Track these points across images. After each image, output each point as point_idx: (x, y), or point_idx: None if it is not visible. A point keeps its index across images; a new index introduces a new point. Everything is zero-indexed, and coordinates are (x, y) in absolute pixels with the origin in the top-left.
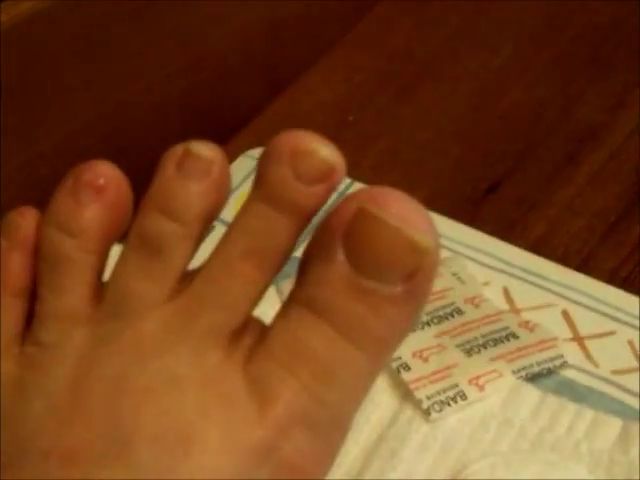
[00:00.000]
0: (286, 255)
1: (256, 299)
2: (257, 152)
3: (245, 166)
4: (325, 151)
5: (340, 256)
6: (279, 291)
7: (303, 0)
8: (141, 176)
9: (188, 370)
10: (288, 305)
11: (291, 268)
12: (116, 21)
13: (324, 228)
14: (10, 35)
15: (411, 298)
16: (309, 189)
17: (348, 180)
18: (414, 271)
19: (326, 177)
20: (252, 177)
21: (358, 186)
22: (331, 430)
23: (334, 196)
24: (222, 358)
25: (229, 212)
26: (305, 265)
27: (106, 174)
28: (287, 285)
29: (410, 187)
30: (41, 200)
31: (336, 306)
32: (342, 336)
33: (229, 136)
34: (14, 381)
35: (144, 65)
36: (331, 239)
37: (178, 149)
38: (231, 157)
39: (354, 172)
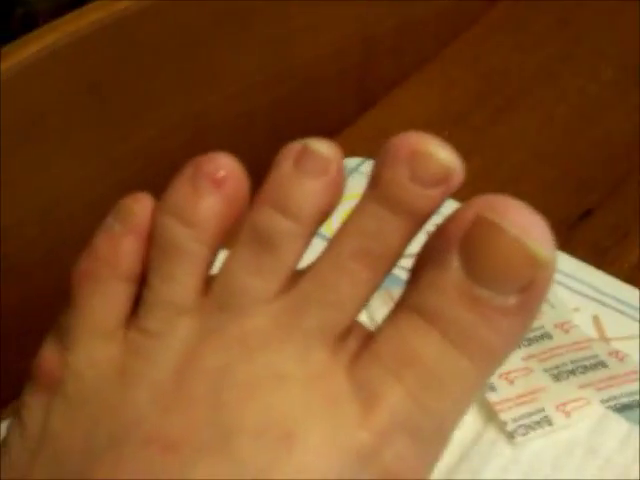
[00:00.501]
0: (397, 257)
1: (365, 300)
2: (349, 161)
3: None
4: (444, 154)
5: (455, 263)
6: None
7: (398, 16)
8: None
9: (294, 367)
10: (398, 309)
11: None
12: (208, 25)
13: (440, 233)
14: (104, 35)
15: (524, 311)
16: (425, 192)
17: None
18: (529, 283)
19: (443, 181)
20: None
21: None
22: (433, 440)
23: None
24: (328, 358)
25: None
26: (418, 270)
27: (227, 167)
28: (375, 298)
29: None
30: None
31: (447, 313)
32: (451, 344)
33: None
34: (117, 366)
35: (233, 72)
36: (447, 245)
37: (296, 146)
38: None
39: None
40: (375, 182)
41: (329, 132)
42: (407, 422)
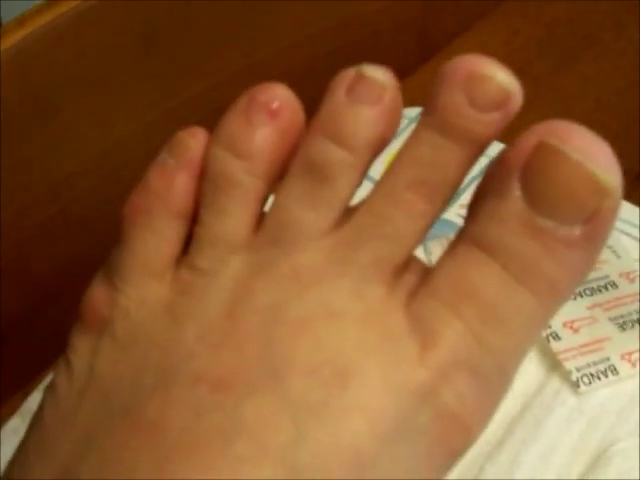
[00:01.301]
0: (455, 187)
1: (422, 233)
2: (409, 111)
3: None
4: (502, 76)
5: (516, 192)
6: (427, 251)
7: None
8: None
9: (348, 303)
10: (456, 243)
11: (439, 229)
12: None
13: (500, 162)
14: None
15: (589, 242)
16: (484, 117)
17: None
18: (595, 212)
19: (502, 104)
20: (402, 136)
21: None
22: (494, 379)
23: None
24: (384, 293)
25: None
26: (477, 201)
27: (282, 97)
28: (436, 245)
29: None
30: None
31: (509, 245)
32: (513, 277)
33: None
34: (167, 305)
35: (293, 22)
36: (507, 173)
37: (350, 72)
38: None
39: (509, 138)
40: (430, 108)
41: None
42: (467, 360)
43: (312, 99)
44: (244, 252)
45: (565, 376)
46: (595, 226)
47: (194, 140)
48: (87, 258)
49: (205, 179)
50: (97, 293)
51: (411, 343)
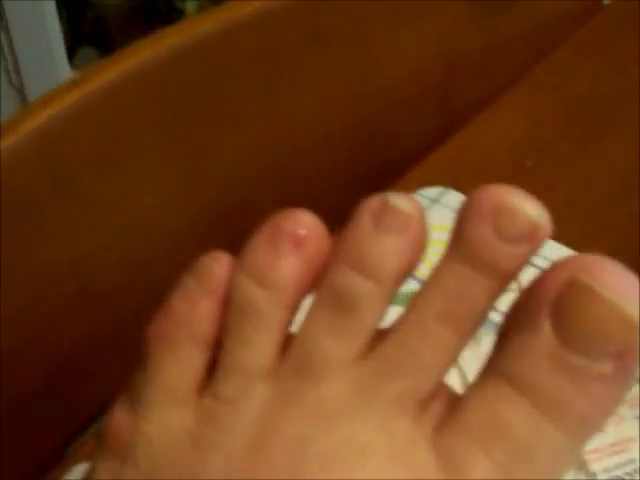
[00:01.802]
0: (483, 318)
1: (449, 364)
2: (430, 191)
3: None
4: (530, 209)
5: (547, 328)
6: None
7: (482, 36)
8: (303, 202)
9: (375, 437)
10: (485, 375)
11: None
12: (291, 48)
13: (530, 296)
14: (184, 59)
15: (620, 377)
16: (512, 249)
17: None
18: (626, 349)
19: (531, 237)
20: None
21: None
22: None
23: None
24: (411, 426)
25: None
26: (506, 334)
27: (308, 225)
28: None
29: (588, 241)
30: (207, 225)
31: (539, 382)
32: (543, 414)
33: (395, 170)
34: (190, 433)
35: (316, 93)
36: (537, 309)
37: (375, 201)
38: None
39: None
40: (458, 240)
41: (410, 155)
42: None
43: (333, 167)
44: (269, 381)
45: (591, 478)
46: (627, 361)
47: (218, 266)
48: (105, 335)
49: (230, 306)
50: (119, 418)
51: (439, 479)
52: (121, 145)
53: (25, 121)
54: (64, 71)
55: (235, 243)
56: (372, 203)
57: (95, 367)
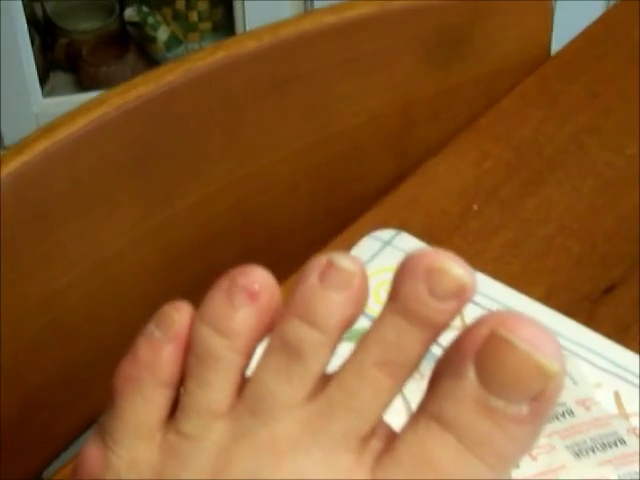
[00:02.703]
0: (416, 365)
1: (386, 406)
2: (383, 234)
3: (370, 247)
4: (458, 270)
5: (471, 374)
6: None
7: (434, 86)
8: (265, 244)
9: (321, 471)
10: (418, 415)
11: None
12: (252, 95)
13: (457, 346)
14: (151, 107)
15: (535, 418)
16: (442, 305)
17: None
18: (540, 393)
19: (458, 294)
20: (377, 259)
21: (479, 276)
22: None
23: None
24: (352, 462)
25: None
26: (435, 379)
27: (260, 280)
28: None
29: (529, 281)
30: (173, 263)
31: (464, 421)
32: (468, 449)
33: (353, 211)
34: (155, 468)
35: (277, 138)
36: (463, 358)
37: (321, 260)
38: (356, 237)
39: (476, 262)
40: (395, 295)
41: (368, 196)
42: None
43: (295, 206)
44: (226, 420)
45: None
46: (540, 404)
47: (179, 315)
48: (75, 366)
49: (190, 352)
50: (90, 452)
51: None
52: (90, 189)
53: None
54: (36, 96)
55: (198, 281)
56: (319, 261)
57: (67, 398)
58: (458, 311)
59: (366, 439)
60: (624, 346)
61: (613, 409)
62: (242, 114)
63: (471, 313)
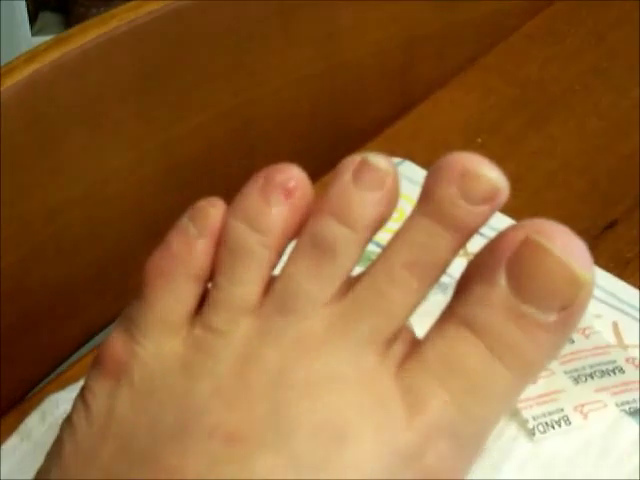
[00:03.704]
0: (444, 268)
1: (413, 308)
2: None
3: None
4: (492, 174)
5: (502, 280)
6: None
7: (441, 20)
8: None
9: (347, 370)
10: (445, 319)
11: None
12: (258, 21)
13: (489, 251)
14: (160, 25)
15: (563, 327)
16: (474, 209)
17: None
18: (570, 302)
19: (491, 199)
20: None
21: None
22: (472, 444)
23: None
24: (377, 361)
25: None
26: (466, 283)
27: (296, 178)
28: None
29: (531, 214)
30: (175, 185)
31: (493, 326)
32: (495, 355)
33: (355, 142)
34: (181, 359)
35: (280, 66)
36: (495, 263)
37: (356, 158)
38: None
39: None
40: (427, 198)
41: (369, 130)
42: (450, 426)
43: (296, 136)
44: (254, 316)
45: (522, 424)
46: (570, 314)
47: (214, 210)
48: (74, 282)
49: (223, 246)
50: (116, 342)
51: (401, 408)
52: (98, 103)
53: (8, 75)
54: (25, 36)
55: (199, 200)
56: (353, 160)
57: (66, 311)
58: (490, 215)
59: (391, 341)
60: (624, 280)
61: (612, 339)
62: (249, 39)
63: (475, 243)
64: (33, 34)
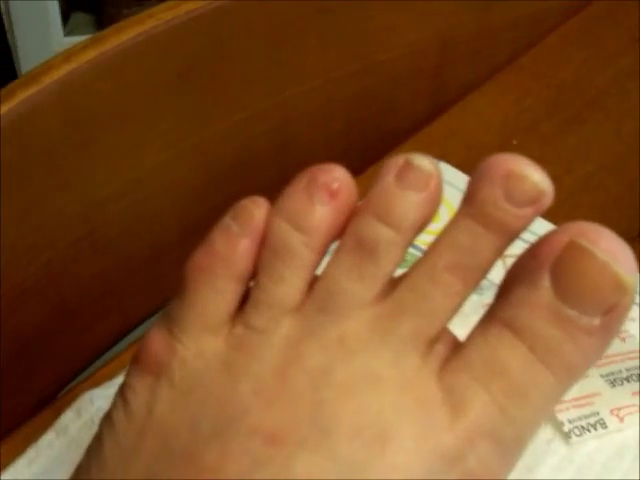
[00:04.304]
0: (487, 270)
1: (455, 310)
2: None
3: None
4: (537, 176)
5: (546, 282)
6: None
7: (476, 22)
8: (299, 168)
9: (388, 371)
10: (487, 321)
11: None
12: (294, 21)
13: (533, 253)
14: (198, 24)
15: (605, 331)
16: (518, 211)
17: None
18: (613, 306)
19: (536, 201)
20: None
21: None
22: (513, 447)
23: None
24: (419, 363)
25: None
26: (508, 285)
27: (341, 178)
28: None
29: (566, 217)
30: (208, 184)
31: (536, 329)
32: (538, 358)
33: (389, 143)
34: (222, 358)
35: (317, 65)
36: (539, 265)
37: (399, 159)
38: None
39: None
40: (470, 200)
41: (402, 130)
42: (491, 429)
43: (330, 136)
44: (296, 316)
45: (557, 427)
46: (613, 318)
47: (258, 209)
48: (109, 279)
49: (265, 246)
50: (157, 339)
51: (442, 411)
52: (134, 102)
53: (46, 74)
54: (57, 36)
55: (231, 204)
56: (397, 161)
57: (99, 309)
58: (534, 218)
59: (433, 343)
60: None
61: None
62: (285, 39)
63: (515, 249)
64: (65, 34)
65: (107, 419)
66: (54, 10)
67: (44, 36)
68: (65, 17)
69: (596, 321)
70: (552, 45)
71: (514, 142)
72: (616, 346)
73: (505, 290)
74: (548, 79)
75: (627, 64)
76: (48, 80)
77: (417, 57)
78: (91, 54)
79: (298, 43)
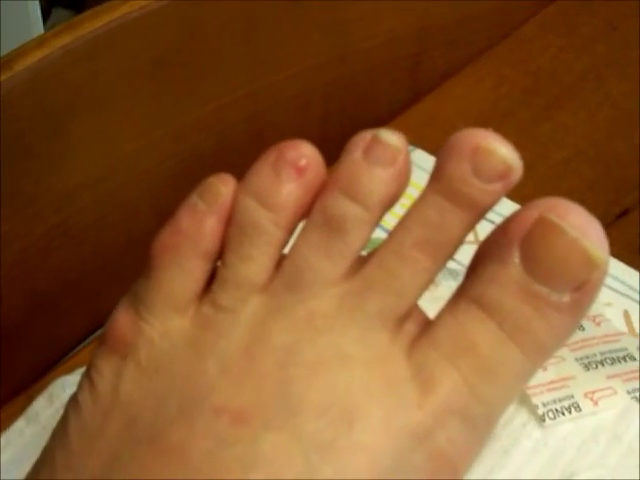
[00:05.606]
0: (456, 247)
1: (424, 287)
2: None
3: None
4: (505, 151)
5: (515, 259)
6: None
7: (452, 10)
8: None
9: (356, 349)
10: (457, 299)
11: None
12: (270, 8)
13: (502, 230)
14: (172, 11)
15: (576, 308)
16: (487, 186)
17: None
18: (584, 282)
19: (504, 176)
20: None
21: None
22: (482, 425)
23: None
24: (388, 341)
25: None
26: (478, 262)
27: (308, 155)
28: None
29: None
30: (183, 173)
31: (505, 306)
32: (507, 336)
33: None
34: (189, 337)
35: (291, 54)
36: (508, 242)
37: (366, 135)
38: None
39: None
40: (438, 175)
41: (380, 118)
42: (460, 407)
43: (307, 125)
44: (263, 294)
45: (532, 410)
46: (583, 294)
47: (225, 187)
48: (83, 269)
49: (232, 224)
50: (122, 319)
51: (411, 388)
52: (108, 90)
53: (19, 60)
54: (38, 32)
55: None
56: (364, 136)
57: (73, 300)
58: (503, 193)
59: (402, 321)
60: (635, 269)
61: (623, 327)
62: (260, 27)
63: (485, 230)
64: (45, 30)
65: (73, 401)
66: (35, 6)
67: (24, 32)
68: (46, 13)
69: (566, 298)
70: (528, 33)
71: (490, 129)
72: (591, 330)
73: (475, 267)
74: (524, 66)
75: (603, 52)
76: (20, 67)
77: (394, 46)
78: (64, 40)
79: (273, 31)
